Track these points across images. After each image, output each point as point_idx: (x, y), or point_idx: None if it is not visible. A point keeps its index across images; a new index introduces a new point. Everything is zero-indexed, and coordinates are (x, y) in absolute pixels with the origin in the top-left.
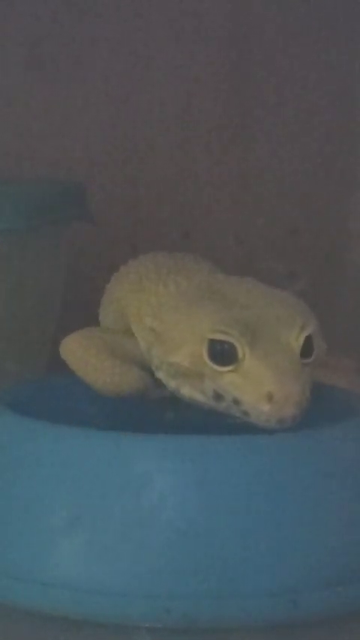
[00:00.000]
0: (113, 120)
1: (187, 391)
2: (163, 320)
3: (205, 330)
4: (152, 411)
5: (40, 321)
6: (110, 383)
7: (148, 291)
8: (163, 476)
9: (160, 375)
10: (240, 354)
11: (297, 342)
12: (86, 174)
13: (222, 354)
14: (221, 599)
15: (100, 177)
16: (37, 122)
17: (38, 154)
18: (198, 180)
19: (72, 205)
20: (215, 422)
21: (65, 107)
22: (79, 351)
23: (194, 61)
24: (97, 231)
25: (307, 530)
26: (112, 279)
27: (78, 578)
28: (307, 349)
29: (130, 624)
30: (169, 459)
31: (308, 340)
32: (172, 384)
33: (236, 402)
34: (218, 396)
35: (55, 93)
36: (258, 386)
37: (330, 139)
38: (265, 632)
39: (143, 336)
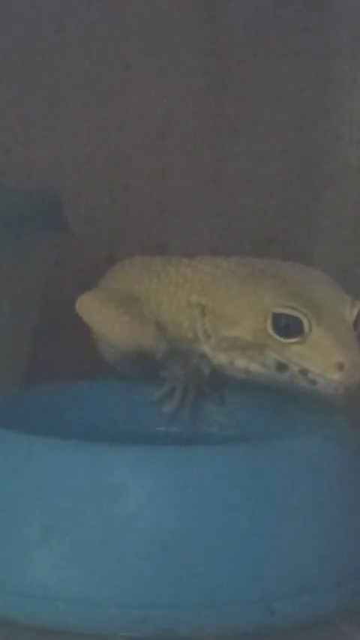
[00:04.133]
0: (90, 131)
1: (242, 363)
2: (216, 296)
3: (268, 305)
4: (129, 421)
5: (16, 332)
6: (128, 335)
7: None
8: (138, 486)
9: (206, 348)
10: (306, 327)
11: (351, 315)
12: (63, 185)
13: (287, 327)
14: (198, 607)
15: (76, 188)
16: (13, 133)
17: (14, 166)
18: (175, 191)
19: (49, 216)
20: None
21: (42, 118)
22: (96, 305)
23: (172, 74)
24: (74, 241)
25: (283, 537)
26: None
27: (55, 588)
28: (356, 322)
29: (108, 634)
30: (143, 469)
31: (357, 314)
32: (222, 357)
33: (303, 372)
34: (282, 367)
35: (31, 104)
36: (327, 356)
37: (306, 149)
38: (241, 639)
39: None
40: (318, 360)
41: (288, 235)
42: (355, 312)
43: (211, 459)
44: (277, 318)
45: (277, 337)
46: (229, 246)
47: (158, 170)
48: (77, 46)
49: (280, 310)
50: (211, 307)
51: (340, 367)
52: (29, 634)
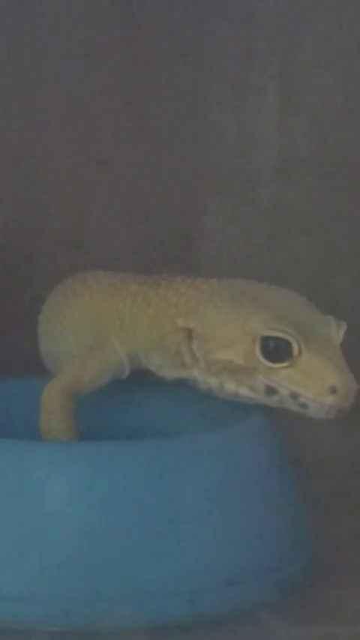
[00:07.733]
0: (8, 130)
1: (232, 387)
2: (205, 320)
3: (258, 328)
4: None
5: None
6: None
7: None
8: (58, 482)
9: (195, 373)
10: (295, 351)
11: (337, 337)
12: None
13: (276, 350)
14: (120, 601)
15: None
16: None
17: None
18: (92, 190)
19: None
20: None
21: None
22: (46, 410)
23: (90, 71)
24: None
25: (203, 531)
26: (52, 303)
27: None
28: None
29: (30, 628)
30: (63, 465)
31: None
32: (211, 380)
33: (294, 395)
34: (271, 391)
35: None
36: (320, 380)
37: (222, 150)
38: (165, 632)
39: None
40: (310, 384)
41: (204, 233)
42: (341, 333)
43: (130, 455)
44: (265, 341)
45: (266, 362)
46: (146, 244)
47: (76, 171)
48: None
49: (269, 333)
50: (200, 331)
51: (333, 390)
52: None
